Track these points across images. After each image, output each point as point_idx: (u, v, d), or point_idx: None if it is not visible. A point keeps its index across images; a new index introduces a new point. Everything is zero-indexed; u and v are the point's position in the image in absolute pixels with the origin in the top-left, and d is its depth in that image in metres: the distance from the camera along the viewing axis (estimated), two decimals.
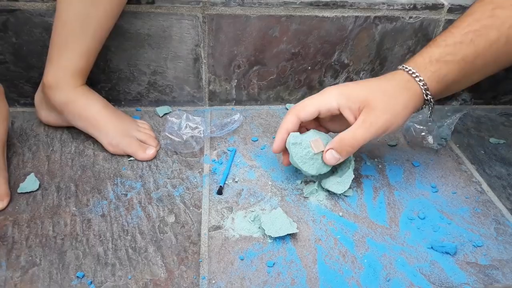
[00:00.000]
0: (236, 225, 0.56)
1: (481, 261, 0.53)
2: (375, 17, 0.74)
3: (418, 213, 0.59)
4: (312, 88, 0.80)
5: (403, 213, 0.60)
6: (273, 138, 0.63)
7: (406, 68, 0.56)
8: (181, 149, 0.68)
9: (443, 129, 0.72)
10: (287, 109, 0.79)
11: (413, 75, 0.55)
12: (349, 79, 0.80)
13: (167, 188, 0.62)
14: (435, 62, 0.55)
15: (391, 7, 0.73)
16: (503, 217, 0.60)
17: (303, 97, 0.80)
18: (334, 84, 0.80)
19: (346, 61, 0.78)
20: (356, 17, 0.73)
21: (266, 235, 0.55)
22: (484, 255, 0.54)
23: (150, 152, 0.66)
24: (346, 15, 0.73)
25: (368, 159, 0.69)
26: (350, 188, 0.62)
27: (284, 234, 0.54)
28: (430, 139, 0.71)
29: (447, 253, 0.54)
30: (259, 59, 0.75)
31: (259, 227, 0.56)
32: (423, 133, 0.72)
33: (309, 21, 0.72)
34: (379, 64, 0.79)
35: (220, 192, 0.61)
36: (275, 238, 0.55)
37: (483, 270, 0.52)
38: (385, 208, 0.60)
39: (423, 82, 0.55)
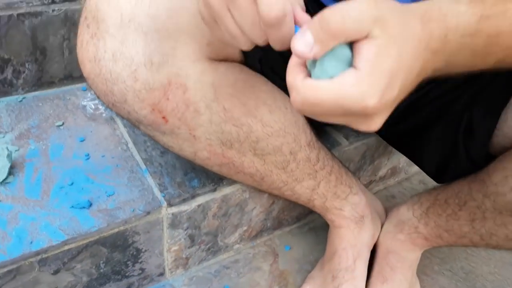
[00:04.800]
0: None
1: (110, 206, 0.73)
2: (18, 14, 0.82)
3: (68, 181, 0.75)
4: None
5: (55, 184, 0.75)
6: None
7: None
8: None
9: None
10: None
11: None
12: (16, 71, 0.88)
13: None
14: None
15: (31, 4, 0.82)
16: (138, 167, 0.81)
17: None
18: None
19: (6, 57, 0.85)
20: None
21: None
22: (113, 201, 0.74)
23: None
24: None
25: (34, 143, 0.81)
26: (11, 174, 0.74)
27: None
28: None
29: (83, 207, 0.72)
30: None
31: None
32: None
33: None
34: (40, 54, 0.89)
35: None
36: None
37: (109, 212, 0.72)
38: (40, 184, 0.74)
39: None
